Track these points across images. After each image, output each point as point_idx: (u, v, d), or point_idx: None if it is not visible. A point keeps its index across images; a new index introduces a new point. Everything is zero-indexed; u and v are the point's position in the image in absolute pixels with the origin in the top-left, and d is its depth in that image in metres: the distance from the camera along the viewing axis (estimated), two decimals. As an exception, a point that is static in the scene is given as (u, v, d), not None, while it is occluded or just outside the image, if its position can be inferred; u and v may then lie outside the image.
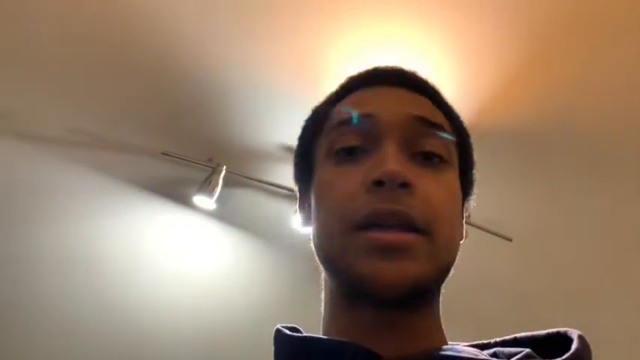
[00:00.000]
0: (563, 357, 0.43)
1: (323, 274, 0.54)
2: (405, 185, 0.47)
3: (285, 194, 2.10)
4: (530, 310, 2.16)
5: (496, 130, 1.97)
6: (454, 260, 0.52)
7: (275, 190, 2.10)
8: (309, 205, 0.55)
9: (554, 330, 0.49)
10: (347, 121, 0.53)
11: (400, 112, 0.52)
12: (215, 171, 1.95)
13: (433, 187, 0.49)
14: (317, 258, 0.53)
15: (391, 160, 0.48)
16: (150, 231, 2.15)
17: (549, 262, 2.20)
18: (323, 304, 0.54)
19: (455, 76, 1.81)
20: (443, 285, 0.53)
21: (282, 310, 2.14)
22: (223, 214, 2.12)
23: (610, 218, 2.19)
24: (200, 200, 1.99)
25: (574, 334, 0.47)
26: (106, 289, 2.11)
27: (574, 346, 0.45)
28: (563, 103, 1.87)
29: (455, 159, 0.54)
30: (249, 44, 1.74)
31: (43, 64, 1.82)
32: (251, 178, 2.06)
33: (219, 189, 1.95)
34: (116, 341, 2.06)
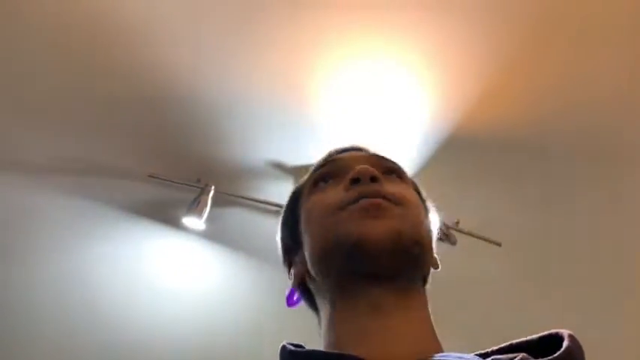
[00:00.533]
0: (554, 355, 0.46)
1: (319, 307, 0.60)
2: (375, 179, 0.57)
3: (274, 211, 2.09)
4: (521, 314, 2.17)
5: (482, 135, 1.98)
6: (428, 249, 0.58)
7: (265, 207, 2.09)
8: (300, 261, 0.61)
9: (547, 332, 0.52)
10: (321, 166, 0.65)
11: (361, 157, 0.65)
12: (203, 191, 1.95)
13: (399, 187, 0.60)
14: (314, 270, 0.58)
15: (361, 164, 0.59)
16: (141, 254, 2.14)
17: (539, 265, 2.21)
18: (321, 326, 0.58)
19: (439, 83, 1.83)
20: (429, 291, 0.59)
21: (275, 326, 2.09)
22: (214, 234, 2.11)
23: (600, 221, 2.20)
24: (189, 221, 1.98)
25: (565, 333, 0.50)
26: (100, 313, 2.09)
27: (565, 344, 0.48)
28: (549, 107, 1.89)
29: (409, 182, 0.65)
30: (235, 63, 1.75)
31: (23, 91, 1.81)
32: (240, 197, 2.06)
33: (208, 209, 1.94)
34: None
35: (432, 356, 0.50)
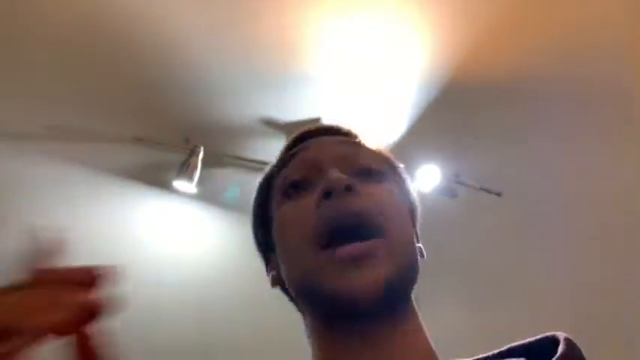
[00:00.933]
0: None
1: (302, 318, 0.57)
2: (349, 189, 0.51)
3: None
4: (519, 264, 2.15)
5: (479, 84, 1.94)
6: (415, 264, 0.54)
7: (256, 166, 2.04)
8: (276, 264, 0.59)
9: (544, 335, 0.51)
10: (287, 161, 0.59)
11: (333, 145, 0.59)
12: (193, 152, 1.89)
13: (377, 191, 0.54)
14: (294, 294, 0.56)
15: (333, 172, 0.53)
16: (132, 218, 2.10)
17: (537, 216, 2.18)
18: (309, 342, 0.56)
19: (435, 32, 1.77)
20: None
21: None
22: (206, 196, 2.07)
23: (600, 169, 2.17)
24: (180, 185, 1.93)
25: (561, 337, 0.49)
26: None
27: (560, 349, 0.47)
28: (547, 54, 1.85)
29: (390, 174, 0.60)
30: (222, 21, 1.69)
31: (6, 57, 1.75)
32: (231, 156, 2.01)
33: (198, 171, 1.89)
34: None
35: None
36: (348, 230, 0.50)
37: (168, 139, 1.94)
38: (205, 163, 1.93)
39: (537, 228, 2.14)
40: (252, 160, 2.03)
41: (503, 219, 2.11)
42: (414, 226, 0.60)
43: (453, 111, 2.04)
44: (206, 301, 2.10)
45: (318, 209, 0.52)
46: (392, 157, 0.64)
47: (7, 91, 1.83)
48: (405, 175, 0.64)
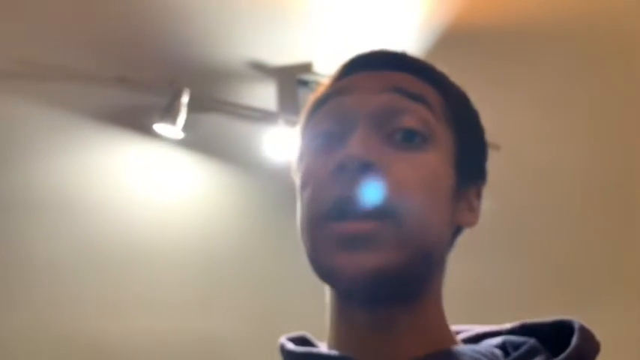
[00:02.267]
0: (560, 357, 0.44)
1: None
2: (368, 166, 0.46)
3: (256, 116, 1.97)
4: (519, 218, 2.13)
5: (479, 29, 1.87)
6: (440, 246, 0.50)
7: (245, 112, 1.97)
8: None
9: (558, 319, 0.49)
10: (321, 103, 0.53)
11: (374, 90, 0.51)
12: (177, 95, 1.80)
13: (406, 169, 0.47)
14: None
15: (355, 142, 0.47)
16: (114, 163, 2.04)
17: (538, 168, 2.15)
18: (327, 311, 0.54)
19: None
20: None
21: (257, 237, 2.06)
22: (192, 142, 2.00)
23: (600, 119, 2.14)
24: (162, 128, 1.85)
25: (575, 325, 0.47)
26: (73, 223, 2.02)
27: (574, 341, 0.45)
28: (549, 2, 1.80)
29: (442, 133, 0.51)
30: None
31: None
32: (218, 101, 1.93)
33: (183, 114, 1.81)
34: (93, 273, 2.01)
35: (440, 351, 0.47)
36: (356, 209, 0.45)
37: (152, 80, 1.85)
38: (190, 108, 1.85)
39: (536, 182, 2.12)
40: (240, 106, 1.94)
41: (501, 172, 2.07)
42: (466, 187, 0.53)
43: (450, 60, 1.97)
44: (188, 248, 2.08)
45: (331, 181, 0.47)
46: (458, 87, 0.56)
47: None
48: (472, 110, 0.56)
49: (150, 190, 2.05)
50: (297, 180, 0.55)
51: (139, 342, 1.96)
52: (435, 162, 0.49)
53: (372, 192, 0.46)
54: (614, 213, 2.17)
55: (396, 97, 0.50)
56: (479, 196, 0.55)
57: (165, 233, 2.05)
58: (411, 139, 0.49)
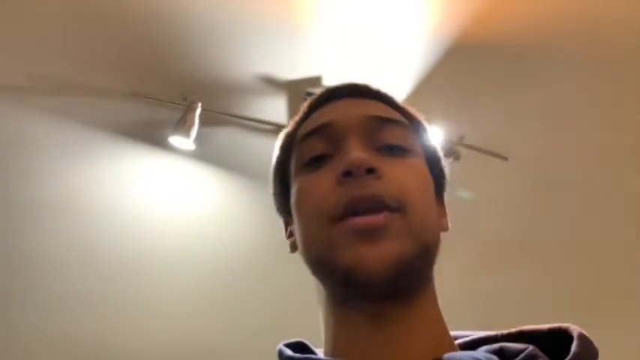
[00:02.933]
0: None
1: (317, 288, 0.56)
2: (371, 171, 0.49)
3: (267, 129, 2.00)
4: (527, 228, 2.13)
5: (486, 43, 1.88)
6: (435, 244, 0.52)
7: (256, 125, 1.99)
8: (292, 235, 0.58)
9: (557, 325, 0.50)
10: (309, 134, 0.56)
11: (356, 115, 0.55)
12: (190, 109, 1.84)
13: (400, 170, 0.52)
14: (309, 268, 0.54)
15: (355, 151, 0.51)
16: (128, 176, 2.07)
17: (546, 179, 2.14)
18: (321, 318, 0.55)
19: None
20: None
21: (270, 247, 2.07)
22: (204, 154, 2.03)
23: (609, 130, 2.13)
24: (177, 141, 1.88)
25: (574, 332, 0.47)
26: (91, 237, 2.05)
27: (573, 349, 0.45)
28: (552, 15, 1.79)
29: (418, 149, 0.57)
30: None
31: (2, 9, 1.68)
32: (230, 115, 1.95)
33: (195, 128, 1.84)
34: (106, 279, 2.03)
35: (441, 358, 0.47)
36: (366, 208, 0.48)
37: (166, 95, 1.88)
38: (203, 122, 1.88)
39: (545, 193, 2.11)
40: (251, 119, 1.97)
41: (509, 183, 2.08)
42: (439, 198, 0.58)
43: (460, 72, 2.00)
44: (201, 259, 2.10)
45: (338, 187, 0.50)
46: (420, 118, 0.61)
47: (1, 41, 1.77)
48: (435, 142, 0.61)
49: (163, 201, 2.08)
50: (281, 208, 0.60)
51: (148, 346, 1.98)
52: (421, 167, 0.55)
53: (378, 191, 0.49)
54: (625, 222, 2.16)
55: (375, 121, 0.55)
56: (445, 206, 0.60)
57: (176, 242, 2.07)
58: (397, 151, 0.54)
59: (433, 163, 0.59)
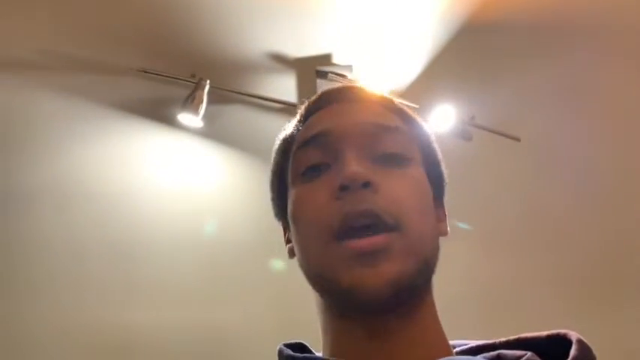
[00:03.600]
0: None
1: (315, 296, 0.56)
2: (368, 184, 0.49)
3: (276, 107, 1.98)
4: (540, 211, 2.11)
5: (498, 21, 1.84)
6: (434, 256, 0.52)
7: (265, 103, 1.98)
8: (290, 242, 0.58)
9: (555, 332, 0.50)
10: (306, 142, 0.56)
11: (353, 122, 0.55)
12: (198, 86, 1.82)
13: (397, 183, 0.52)
14: (307, 279, 0.54)
15: (351, 165, 0.51)
16: (138, 152, 2.06)
17: (559, 161, 2.12)
18: (319, 323, 0.55)
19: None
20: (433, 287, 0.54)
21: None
22: (213, 132, 2.02)
23: (623, 112, 2.09)
24: (185, 118, 1.87)
25: (573, 337, 0.48)
26: (98, 213, 2.06)
27: (571, 354, 0.46)
28: None
29: (417, 155, 0.56)
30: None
31: None
32: (239, 93, 1.94)
33: (204, 105, 1.83)
34: (115, 264, 2.04)
35: None
36: (363, 226, 0.48)
37: (174, 73, 1.87)
38: (212, 100, 1.86)
39: (557, 174, 2.08)
40: (260, 97, 1.96)
41: (520, 164, 2.05)
42: (438, 203, 0.58)
43: (471, 51, 1.97)
44: (211, 237, 2.10)
45: (334, 202, 0.50)
46: (418, 120, 0.61)
47: (5, 11, 1.76)
48: (432, 142, 0.61)
49: (172, 179, 2.08)
50: (280, 214, 0.61)
51: (162, 332, 1.99)
52: (418, 177, 0.54)
53: (373, 206, 0.49)
54: (634, 208, 2.13)
55: (372, 128, 0.54)
56: (444, 209, 0.60)
57: (186, 220, 2.07)
58: (394, 160, 0.53)
59: (431, 168, 0.58)
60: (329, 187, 0.51)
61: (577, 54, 1.98)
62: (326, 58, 1.94)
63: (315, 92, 2.07)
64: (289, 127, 0.62)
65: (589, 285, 2.00)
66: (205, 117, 1.87)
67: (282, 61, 1.96)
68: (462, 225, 1.85)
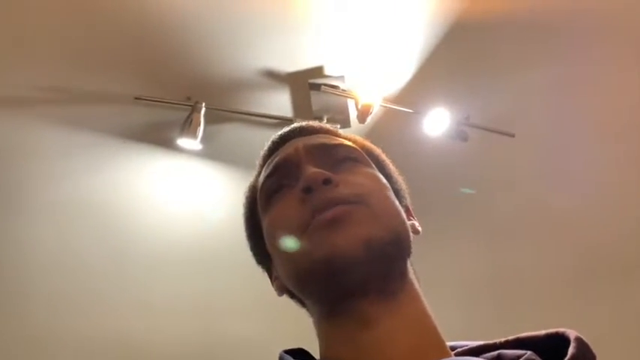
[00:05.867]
0: None
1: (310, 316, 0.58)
2: (328, 181, 0.52)
3: (272, 123, 2.00)
4: (539, 206, 2.12)
5: (490, 21, 1.86)
6: (406, 236, 0.54)
7: (260, 120, 2.00)
8: (276, 272, 0.60)
9: (554, 330, 0.50)
10: (268, 176, 0.60)
11: (303, 146, 0.60)
12: (194, 109, 1.85)
13: (355, 177, 0.55)
14: (294, 289, 0.56)
15: (310, 169, 0.54)
16: (139, 178, 2.09)
17: (551, 155, 2.13)
18: (316, 334, 0.56)
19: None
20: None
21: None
22: (211, 152, 2.04)
23: (616, 103, 2.10)
24: (184, 142, 1.89)
25: (571, 335, 0.48)
26: (102, 237, 2.08)
27: (570, 351, 0.46)
28: None
29: (367, 159, 0.61)
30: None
31: (3, 20, 1.69)
32: (234, 112, 1.96)
33: (201, 128, 1.85)
34: (120, 276, 2.06)
35: None
36: (331, 206, 0.51)
37: (170, 97, 1.89)
38: (208, 120, 1.89)
39: (551, 169, 2.10)
40: (256, 114, 1.98)
41: (516, 160, 2.07)
42: (401, 203, 0.60)
43: (462, 51, 1.98)
44: (212, 258, 2.11)
45: (301, 206, 0.53)
46: (366, 142, 0.65)
47: (3, 53, 1.78)
48: (383, 157, 0.65)
49: (174, 201, 2.10)
50: (261, 258, 0.64)
51: (164, 343, 2.01)
52: (371, 171, 0.59)
53: (340, 196, 0.52)
54: (637, 196, 2.14)
55: (323, 145, 0.60)
56: (411, 211, 0.63)
57: (189, 241, 2.09)
58: (348, 162, 0.58)
59: (387, 175, 0.62)
60: (294, 196, 0.54)
61: (568, 51, 1.98)
62: (318, 71, 1.96)
63: (309, 105, 2.08)
64: (251, 181, 0.66)
65: (584, 277, 2.01)
66: (203, 137, 1.89)
67: (274, 77, 1.97)
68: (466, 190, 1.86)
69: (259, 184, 0.62)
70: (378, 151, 0.65)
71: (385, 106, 1.95)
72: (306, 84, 1.95)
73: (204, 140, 1.90)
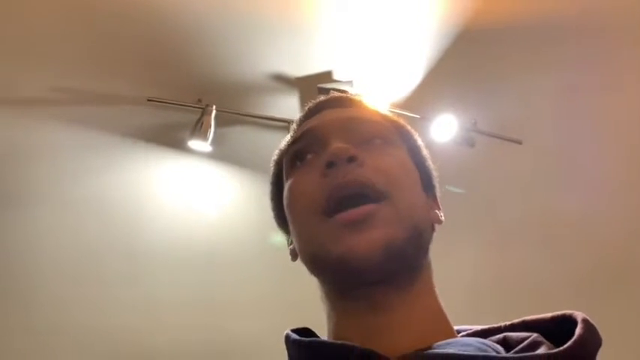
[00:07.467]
0: (564, 347, 0.44)
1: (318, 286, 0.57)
2: (352, 159, 0.51)
3: (281, 126, 2.02)
4: (547, 210, 2.12)
5: (498, 26, 1.86)
6: (426, 229, 0.54)
7: (270, 123, 2.02)
8: (292, 244, 0.60)
9: (560, 313, 0.50)
10: (295, 141, 0.59)
11: (335, 118, 0.58)
12: (205, 111, 1.87)
13: (382, 158, 0.54)
14: (307, 267, 0.56)
15: (336, 143, 0.53)
16: (150, 180, 2.11)
17: (559, 161, 2.13)
18: (324, 313, 0.56)
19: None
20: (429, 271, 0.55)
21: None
22: (222, 155, 2.06)
23: (623, 110, 2.10)
24: (195, 144, 1.92)
25: (579, 317, 0.48)
26: (115, 242, 2.10)
27: (577, 332, 0.45)
28: None
29: (400, 143, 0.59)
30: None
31: (15, 23, 1.72)
32: (244, 114, 1.98)
33: (212, 130, 1.87)
34: (130, 276, 2.08)
35: (431, 346, 0.48)
36: (351, 198, 0.50)
37: (181, 100, 1.92)
38: (218, 122, 1.91)
39: (559, 176, 2.10)
40: (266, 117, 2.00)
41: (524, 167, 2.07)
42: (428, 192, 0.59)
43: (469, 57, 1.99)
44: (220, 259, 2.13)
45: (323, 179, 0.52)
46: (402, 122, 0.64)
47: (15, 55, 1.82)
48: (417, 140, 0.63)
49: (183, 202, 2.12)
50: (280, 220, 0.62)
51: (169, 339, 2.03)
52: (401, 154, 0.57)
53: (361, 177, 0.51)
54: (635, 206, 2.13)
55: (354, 116, 0.58)
56: (438, 204, 0.61)
57: (195, 239, 2.11)
58: (377, 141, 0.56)
59: (418, 160, 0.60)
60: (317, 168, 0.53)
61: (576, 56, 1.98)
62: (327, 75, 1.98)
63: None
64: (281, 145, 0.65)
65: (591, 282, 2.01)
66: (213, 139, 1.92)
67: (284, 81, 1.99)
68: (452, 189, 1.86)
69: (287, 151, 0.61)
70: (413, 134, 0.63)
71: (393, 112, 1.96)
72: (315, 88, 1.97)
73: (214, 142, 1.92)
